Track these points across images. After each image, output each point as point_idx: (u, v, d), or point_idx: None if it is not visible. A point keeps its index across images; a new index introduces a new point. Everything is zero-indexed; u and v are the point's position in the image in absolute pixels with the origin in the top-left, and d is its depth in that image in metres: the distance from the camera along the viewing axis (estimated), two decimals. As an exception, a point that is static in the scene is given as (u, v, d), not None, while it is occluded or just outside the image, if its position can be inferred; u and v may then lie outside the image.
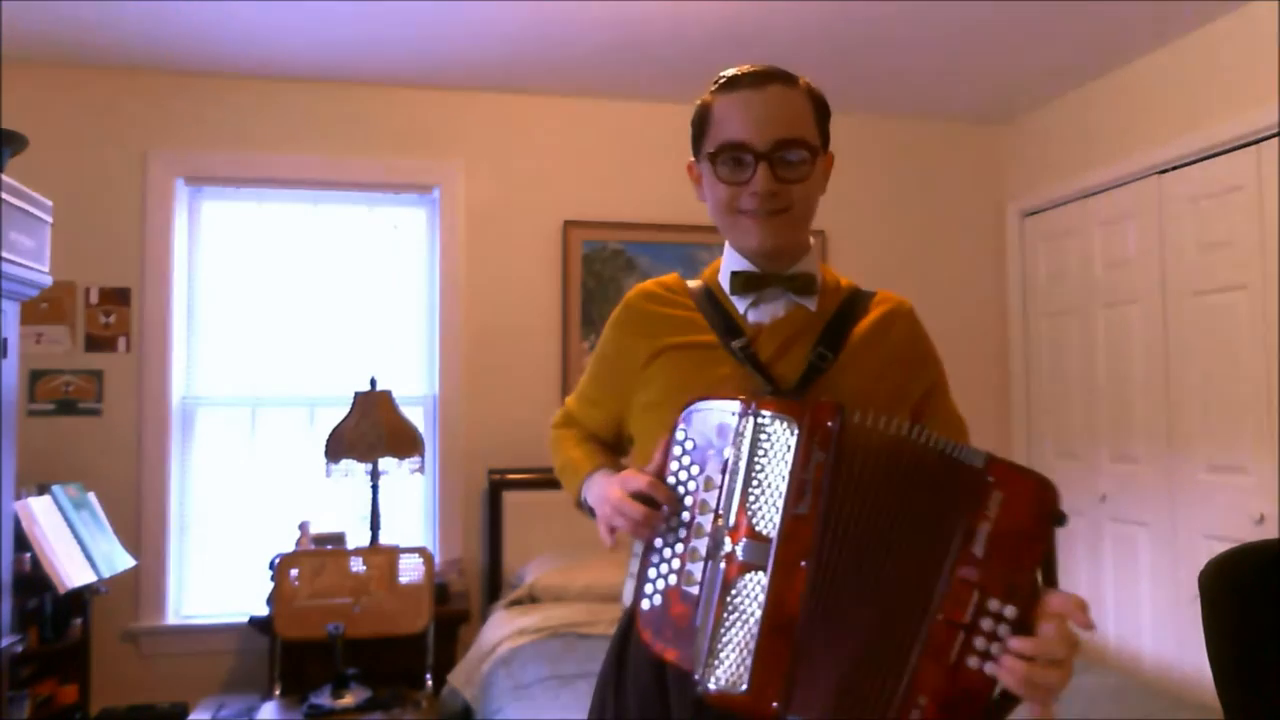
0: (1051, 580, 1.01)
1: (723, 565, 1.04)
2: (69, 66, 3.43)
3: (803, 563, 1.01)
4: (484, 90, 3.77)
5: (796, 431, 1.03)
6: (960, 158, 4.22)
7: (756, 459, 1.04)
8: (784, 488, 1.02)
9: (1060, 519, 0.99)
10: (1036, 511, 0.99)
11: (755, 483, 1.04)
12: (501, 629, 2.95)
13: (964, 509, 1.00)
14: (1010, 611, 0.97)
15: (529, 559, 3.48)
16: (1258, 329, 2.91)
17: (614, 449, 1.39)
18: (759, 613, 1.01)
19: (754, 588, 1.02)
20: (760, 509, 1.03)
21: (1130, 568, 3.43)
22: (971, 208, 4.22)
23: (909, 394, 1.23)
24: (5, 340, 2.21)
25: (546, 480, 3.55)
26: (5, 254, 2.13)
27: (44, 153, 3.19)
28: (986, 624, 0.97)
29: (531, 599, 3.18)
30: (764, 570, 1.02)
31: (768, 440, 1.04)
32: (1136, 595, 3.39)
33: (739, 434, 1.05)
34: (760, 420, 1.04)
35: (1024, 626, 0.97)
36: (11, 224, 2.15)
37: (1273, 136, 2.88)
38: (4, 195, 2.11)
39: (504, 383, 3.72)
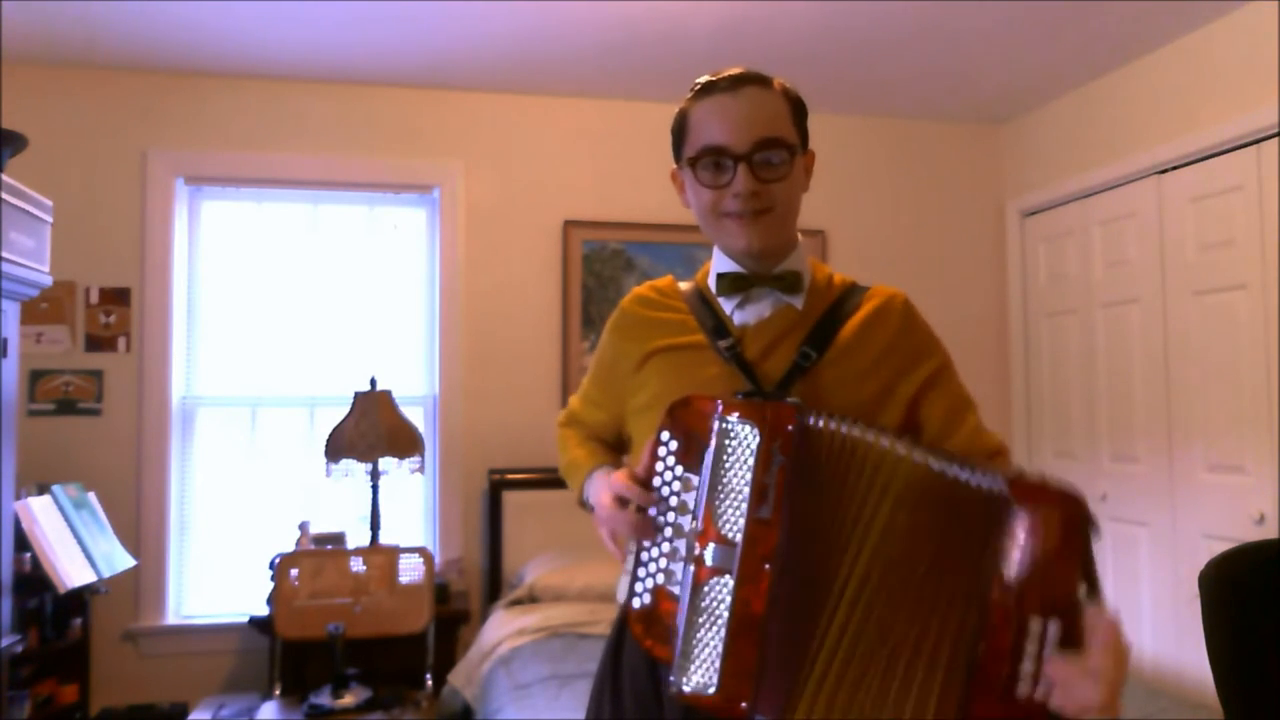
0: (1095, 591, 0.95)
1: (693, 568, 1.05)
2: (69, 66, 3.43)
3: (766, 566, 1.02)
4: (484, 90, 3.77)
5: (758, 435, 1.03)
6: (960, 158, 4.21)
7: (723, 463, 1.05)
8: (748, 492, 1.03)
9: (1092, 528, 0.95)
10: (1067, 527, 0.94)
11: (721, 487, 1.04)
12: (501, 629, 2.95)
13: (984, 531, 0.96)
14: (1054, 630, 0.92)
15: (529, 559, 3.48)
16: (1258, 329, 2.91)
17: (616, 448, 1.41)
18: (727, 615, 1.02)
19: (722, 591, 1.03)
20: (726, 513, 1.04)
21: (1130, 567, 3.42)
22: (971, 208, 4.22)
23: (902, 387, 1.22)
24: (5, 340, 2.20)
25: (546, 480, 3.56)
26: (5, 254, 2.13)
27: (44, 153, 3.19)
28: (1031, 647, 0.93)
29: (531, 599, 3.18)
30: (730, 574, 1.03)
31: (733, 443, 1.04)
32: (1137, 595, 3.39)
33: (710, 436, 1.05)
34: (725, 424, 1.05)
35: (1071, 642, 0.91)
36: (11, 224, 2.15)
37: (1273, 136, 2.88)
38: (4, 195, 2.11)
39: (504, 383, 3.72)
